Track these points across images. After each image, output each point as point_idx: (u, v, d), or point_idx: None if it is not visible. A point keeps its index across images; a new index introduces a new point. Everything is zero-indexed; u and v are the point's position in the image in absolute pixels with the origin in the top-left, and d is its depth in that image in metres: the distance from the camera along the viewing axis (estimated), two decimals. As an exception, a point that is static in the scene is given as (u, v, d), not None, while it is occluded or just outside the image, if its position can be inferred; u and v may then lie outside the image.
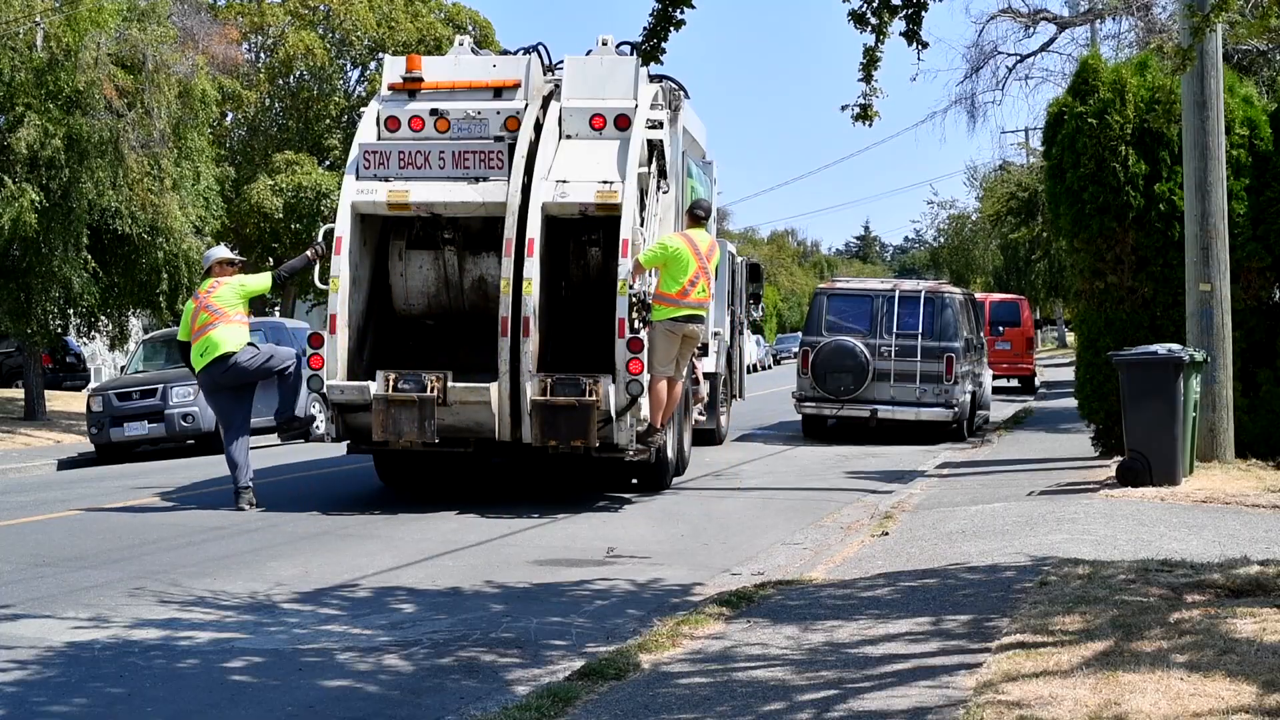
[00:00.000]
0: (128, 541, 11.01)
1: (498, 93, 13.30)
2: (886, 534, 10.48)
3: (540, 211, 12.42)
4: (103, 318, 27.14)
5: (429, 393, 12.10)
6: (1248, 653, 5.75)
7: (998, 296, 37.17)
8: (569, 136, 12.95)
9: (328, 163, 35.47)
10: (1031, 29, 27.98)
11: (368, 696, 6.32)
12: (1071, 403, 16.49)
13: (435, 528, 11.52)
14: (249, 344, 13.03)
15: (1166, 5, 24.03)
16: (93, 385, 30.41)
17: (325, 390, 12.50)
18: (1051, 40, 28.23)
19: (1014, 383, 34.31)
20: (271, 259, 36.60)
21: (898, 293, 20.25)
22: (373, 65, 36.68)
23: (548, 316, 12.71)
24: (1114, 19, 26.65)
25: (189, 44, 27.28)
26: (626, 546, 10.43)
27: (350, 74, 37.37)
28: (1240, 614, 6.50)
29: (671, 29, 8.51)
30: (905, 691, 5.66)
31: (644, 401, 12.29)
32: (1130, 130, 14.30)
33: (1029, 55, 28.54)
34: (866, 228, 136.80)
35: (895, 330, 19.83)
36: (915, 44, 9.02)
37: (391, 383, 12.19)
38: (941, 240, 72.85)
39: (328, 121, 35.83)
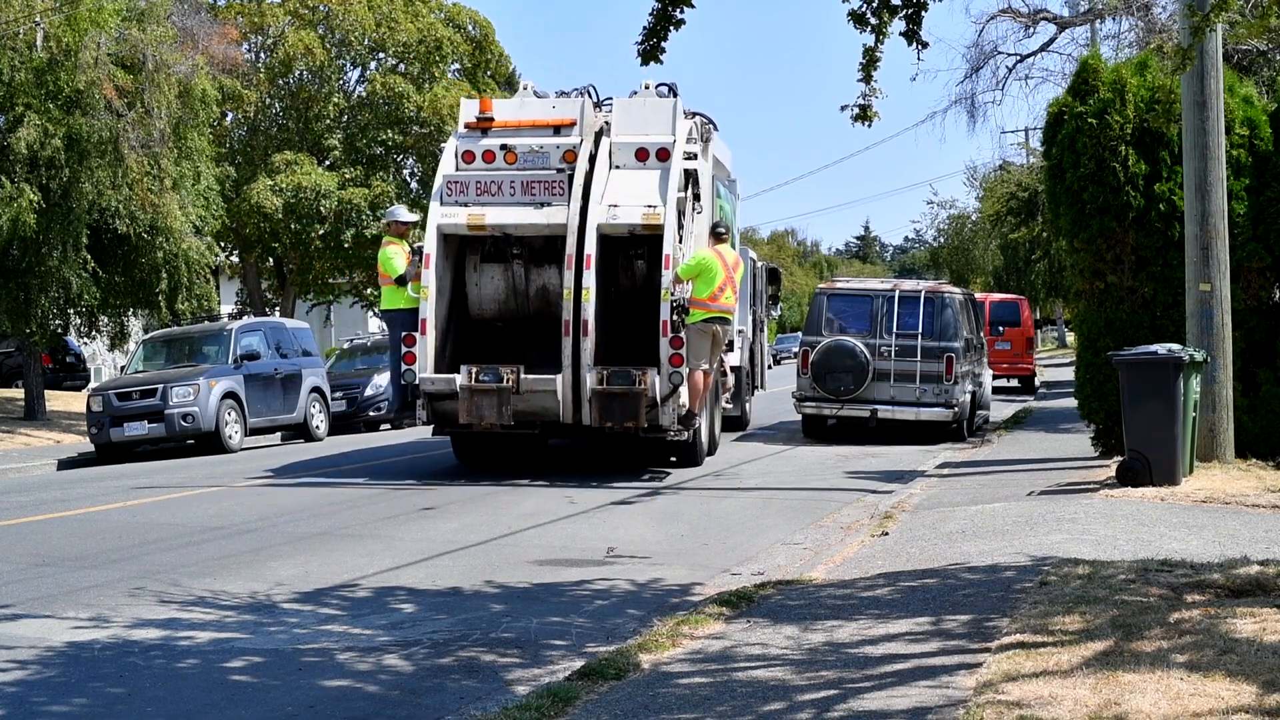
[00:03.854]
0: (128, 541, 11.02)
1: (557, 130, 15.52)
2: (886, 534, 10.48)
3: (595, 231, 14.67)
4: (103, 318, 27.15)
5: (505, 383, 14.35)
6: (1248, 653, 5.75)
7: (998, 296, 37.08)
8: (618, 167, 15.16)
9: (327, 163, 35.44)
10: (1031, 29, 27.96)
11: (368, 696, 6.33)
12: (1071, 403, 16.48)
13: (436, 528, 11.53)
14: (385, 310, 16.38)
15: (1166, 5, 24.02)
16: (93, 385, 30.45)
17: (418, 381, 14.63)
18: (1051, 40, 28.23)
19: (1014, 383, 34.26)
20: (271, 259, 36.63)
21: (898, 293, 20.21)
22: (372, 65, 36.66)
23: (602, 319, 14.83)
24: (1114, 19, 26.63)
25: (189, 44, 27.25)
26: (627, 546, 10.44)
27: (350, 74, 37.33)
28: (1240, 614, 6.50)
29: (671, 28, 8.53)
30: (905, 691, 5.67)
31: (683, 390, 14.53)
32: (1130, 130, 14.28)
33: (1029, 55, 28.55)
34: (866, 228, 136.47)
35: (895, 330, 19.80)
36: (915, 44, 9.03)
37: (474, 375, 14.43)
38: (941, 240, 72.86)
39: (327, 121, 35.77)
